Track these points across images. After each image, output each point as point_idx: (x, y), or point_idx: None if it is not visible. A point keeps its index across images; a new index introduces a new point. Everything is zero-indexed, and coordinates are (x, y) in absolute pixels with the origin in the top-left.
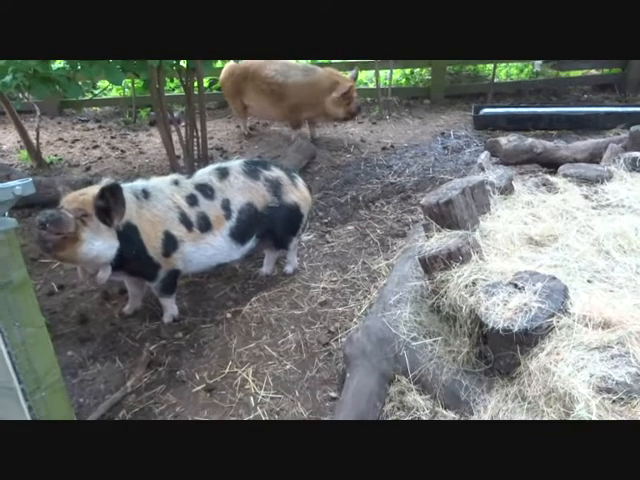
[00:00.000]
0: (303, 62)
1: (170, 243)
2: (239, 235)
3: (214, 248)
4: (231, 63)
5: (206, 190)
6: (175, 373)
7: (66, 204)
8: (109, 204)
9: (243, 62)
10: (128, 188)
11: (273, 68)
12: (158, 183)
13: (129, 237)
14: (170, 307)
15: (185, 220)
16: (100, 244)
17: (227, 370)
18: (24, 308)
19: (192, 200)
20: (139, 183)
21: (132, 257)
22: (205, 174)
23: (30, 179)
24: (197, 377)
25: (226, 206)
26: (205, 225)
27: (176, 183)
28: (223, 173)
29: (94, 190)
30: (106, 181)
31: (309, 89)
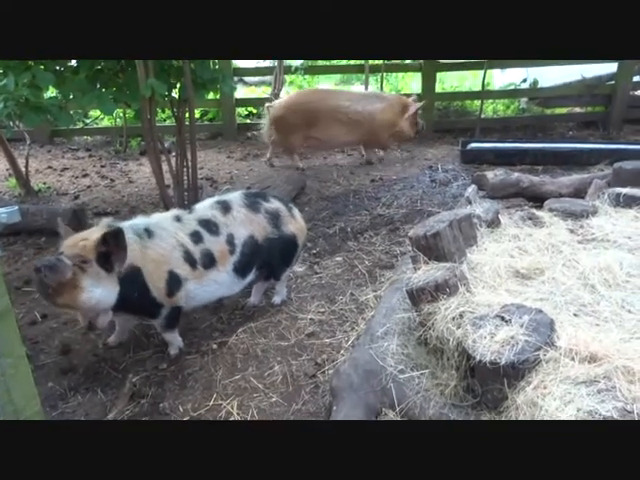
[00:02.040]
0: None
1: (174, 282)
2: (241, 269)
3: (217, 283)
4: (287, 99)
5: (210, 226)
6: (158, 405)
7: (67, 249)
8: (110, 250)
9: (305, 97)
10: (130, 228)
11: (346, 98)
12: (161, 220)
13: (132, 279)
14: (174, 340)
15: (189, 259)
16: (100, 291)
17: (212, 402)
18: (5, 338)
19: (196, 237)
20: (140, 221)
21: (134, 298)
22: (207, 208)
23: (16, 207)
24: (181, 409)
25: (231, 241)
26: (209, 262)
27: (178, 219)
28: (225, 207)
29: (96, 234)
30: (107, 222)
31: (388, 112)
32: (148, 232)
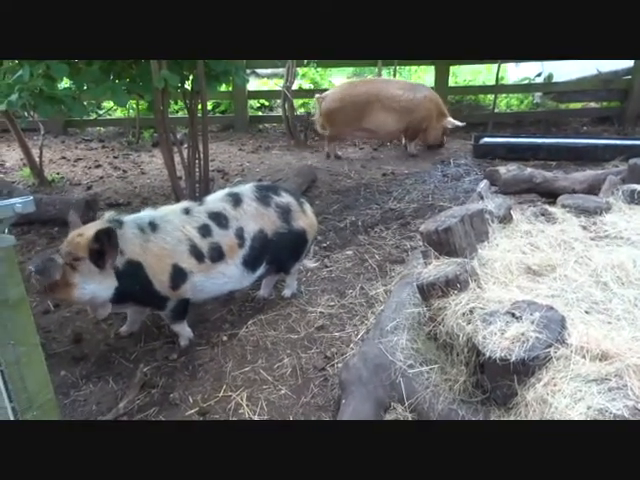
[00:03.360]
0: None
1: (178, 276)
2: (251, 263)
3: (226, 277)
4: (342, 91)
5: (220, 219)
6: (168, 395)
7: (64, 245)
8: (103, 248)
9: (359, 88)
10: (133, 222)
11: (397, 87)
12: (168, 214)
13: (132, 274)
14: (183, 331)
15: (196, 252)
16: (93, 287)
17: (221, 394)
18: (20, 326)
19: (205, 231)
20: (146, 214)
21: (137, 292)
22: (217, 201)
23: (31, 197)
24: (191, 400)
25: (240, 234)
26: (218, 255)
27: (187, 212)
28: (236, 200)
29: (91, 230)
30: (109, 215)
31: (429, 104)
32: (152, 226)
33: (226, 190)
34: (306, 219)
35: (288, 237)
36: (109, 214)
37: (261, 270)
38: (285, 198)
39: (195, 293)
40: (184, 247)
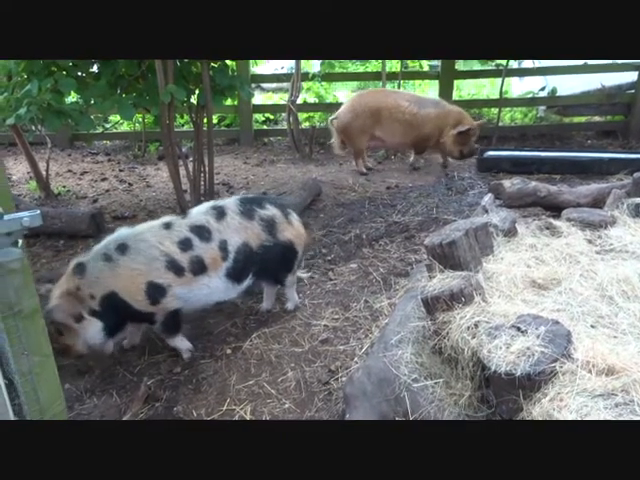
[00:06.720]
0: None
1: (155, 292)
2: (235, 275)
3: (210, 288)
4: (351, 103)
5: (202, 232)
6: (172, 409)
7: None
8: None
9: (368, 97)
10: (96, 255)
11: (406, 99)
12: (143, 232)
13: (111, 306)
14: (181, 344)
15: (174, 266)
16: (85, 338)
17: (225, 407)
18: (33, 337)
19: (185, 245)
20: (114, 238)
21: (121, 317)
22: (201, 214)
23: (38, 211)
24: (194, 414)
25: (223, 247)
26: (199, 268)
27: (168, 227)
28: (220, 213)
29: (59, 290)
30: (73, 264)
31: (436, 121)
32: (122, 248)
33: (211, 202)
34: (293, 230)
35: (275, 249)
36: (73, 262)
37: (248, 282)
38: (270, 211)
39: (179, 304)
40: (159, 263)
